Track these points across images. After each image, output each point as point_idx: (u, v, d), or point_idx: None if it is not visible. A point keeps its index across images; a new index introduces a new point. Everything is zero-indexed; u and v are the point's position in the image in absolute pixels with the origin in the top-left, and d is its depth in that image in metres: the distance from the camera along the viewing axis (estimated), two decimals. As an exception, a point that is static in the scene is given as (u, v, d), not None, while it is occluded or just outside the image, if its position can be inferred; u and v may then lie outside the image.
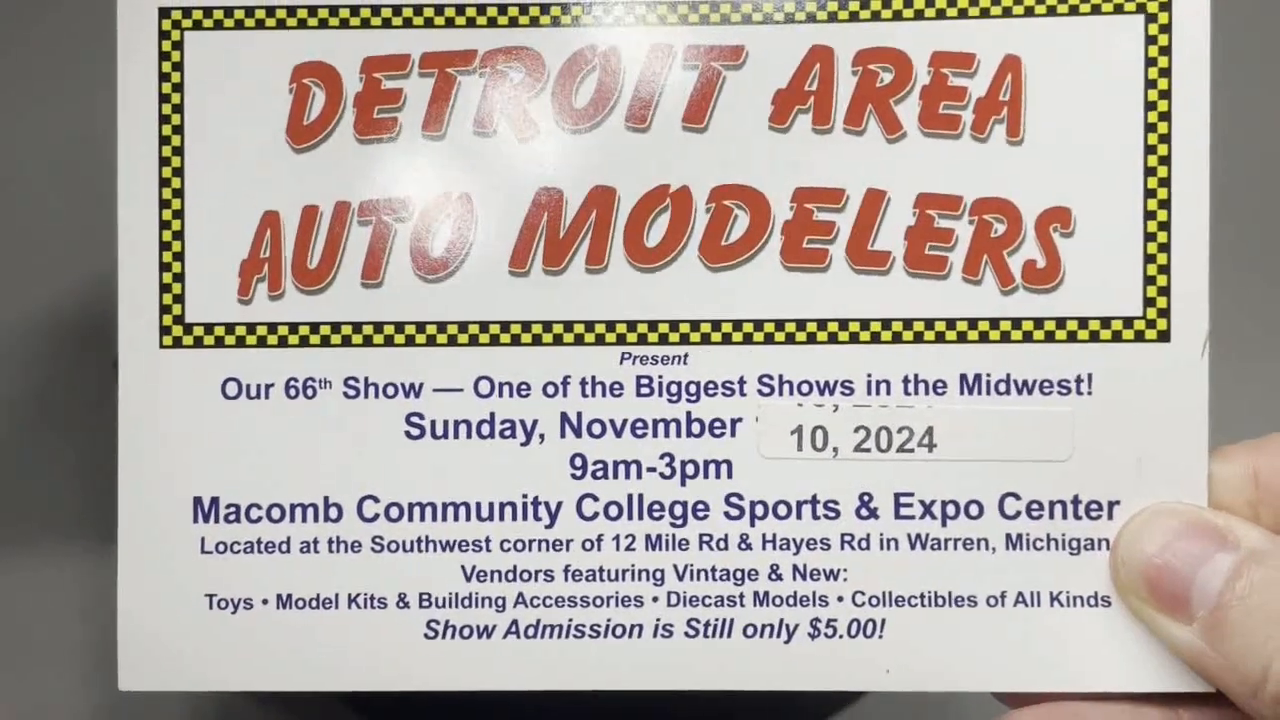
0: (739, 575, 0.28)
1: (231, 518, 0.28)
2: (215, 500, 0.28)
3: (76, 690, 0.42)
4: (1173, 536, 0.27)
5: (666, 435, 0.28)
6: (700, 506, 0.28)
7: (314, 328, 0.28)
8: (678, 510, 0.28)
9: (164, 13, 0.28)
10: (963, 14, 0.28)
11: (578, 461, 0.28)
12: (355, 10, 0.28)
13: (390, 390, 0.28)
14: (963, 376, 0.28)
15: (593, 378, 0.28)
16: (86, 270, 0.41)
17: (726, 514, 0.28)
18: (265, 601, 0.28)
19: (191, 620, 0.28)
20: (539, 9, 0.28)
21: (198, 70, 0.28)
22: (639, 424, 0.28)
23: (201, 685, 0.29)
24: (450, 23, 0.28)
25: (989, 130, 0.28)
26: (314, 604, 0.28)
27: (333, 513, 0.28)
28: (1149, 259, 0.27)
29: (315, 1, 0.28)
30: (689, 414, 0.28)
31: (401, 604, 0.28)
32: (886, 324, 0.28)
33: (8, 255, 0.43)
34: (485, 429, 0.28)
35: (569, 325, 0.28)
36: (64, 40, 0.42)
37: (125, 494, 0.28)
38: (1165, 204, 0.27)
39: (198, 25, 0.28)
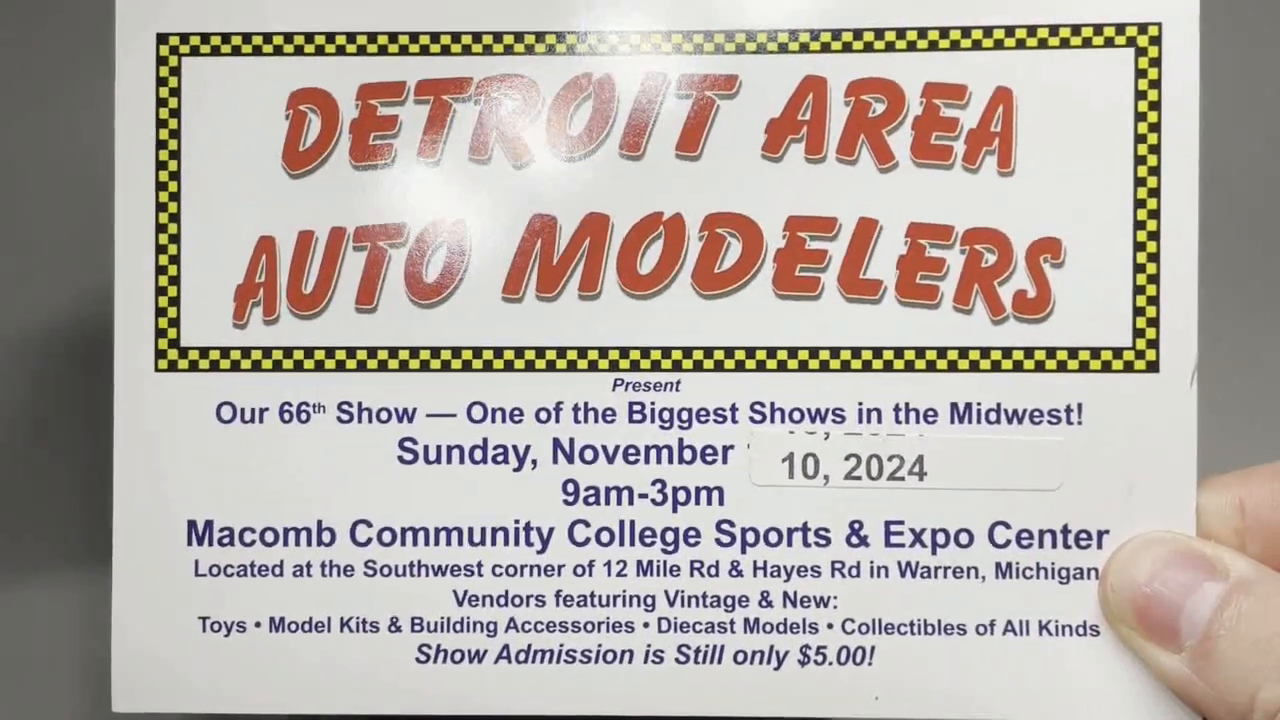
0: (729, 602, 0.28)
1: (225, 540, 0.29)
2: (209, 523, 0.29)
3: (72, 712, 0.42)
4: (1162, 565, 0.27)
5: (658, 461, 0.28)
6: (691, 533, 0.28)
7: (308, 352, 0.28)
8: (669, 536, 0.28)
9: (161, 38, 0.29)
10: (955, 45, 0.28)
11: (570, 487, 0.28)
12: (351, 38, 0.28)
13: (384, 415, 0.28)
14: (953, 405, 0.28)
15: (585, 404, 0.28)
16: (83, 290, 0.41)
17: (718, 540, 0.28)
18: (259, 624, 0.29)
19: (185, 642, 0.29)
20: (534, 37, 0.28)
21: (195, 96, 0.29)
22: (631, 450, 0.28)
23: (195, 707, 0.29)
24: (446, 50, 0.28)
25: (980, 161, 0.28)
26: (307, 627, 0.28)
27: (326, 536, 0.28)
28: (1138, 290, 0.28)
29: (312, 29, 0.28)
30: (681, 440, 0.28)
31: (394, 628, 0.28)
32: (878, 352, 0.28)
33: (4, 275, 0.43)
34: (478, 454, 0.28)
35: (562, 351, 0.28)
36: (61, 64, 0.43)
37: (120, 516, 0.29)
38: (1154, 235, 0.28)
39: (195, 51, 0.28)
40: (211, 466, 0.29)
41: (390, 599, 0.28)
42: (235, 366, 0.28)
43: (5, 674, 0.42)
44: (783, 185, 0.28)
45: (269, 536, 0.29)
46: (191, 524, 0.29)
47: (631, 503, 0.28)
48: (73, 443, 0.43)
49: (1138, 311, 0.28)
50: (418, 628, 0.28)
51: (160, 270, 0.28)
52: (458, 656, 0.28)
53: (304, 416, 0.28)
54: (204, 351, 0.29)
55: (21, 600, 0.43)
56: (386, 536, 0.28)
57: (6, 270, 0.43)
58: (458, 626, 0.28)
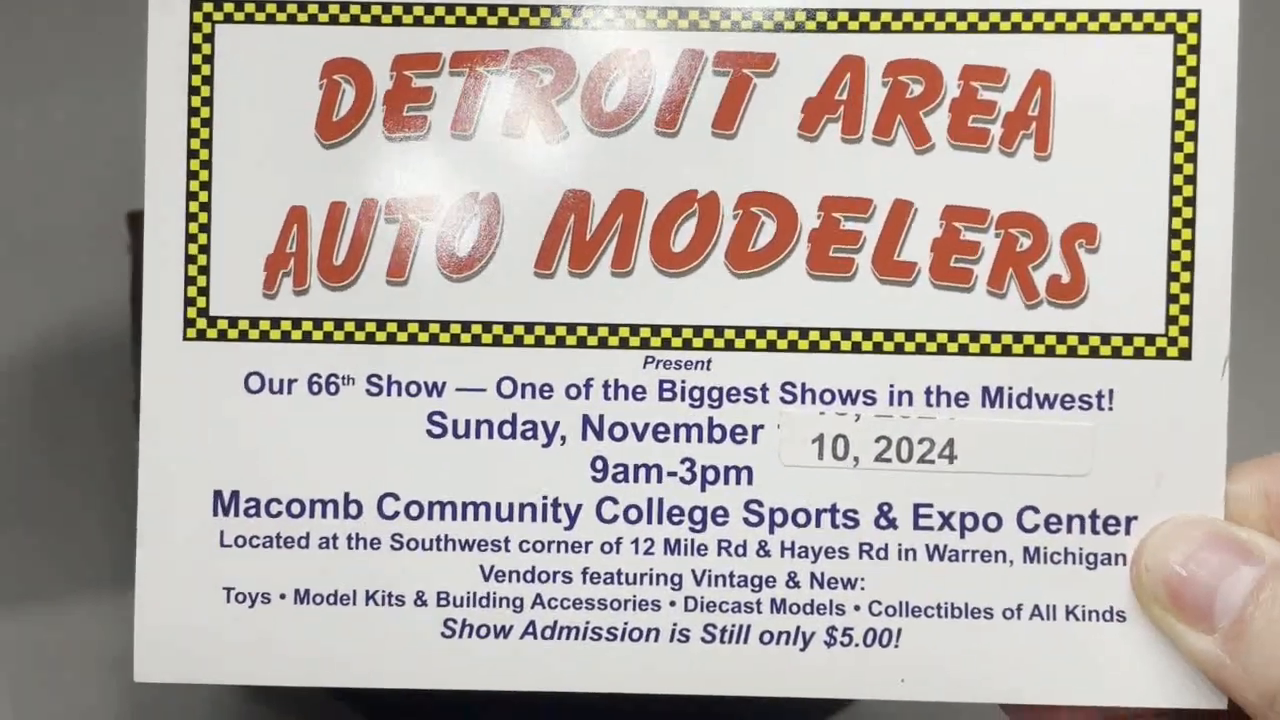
0: (756, 582, 0.28)
1: (251, 511, 0.29)
2: (235, 494, 0.29)
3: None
4: (1197, 547, 0.27)
5: (688, 440, 0.28)
6: (720, 512, 0.28)
7: (338, 324, 0.28)
8: (697, 515, 0.28)
9: (195, 4, 0.28)
10: (994, 28, 0.28)
11: (598, 464, 0.28)
12: (387, 8, 0.28)
13: (413, 389, 0.28)
14: (985, 389, 0.28)
15: (615, 381, 0.28)
16: (114, 260, 0.41)
17: (746, 520, 0.28)
18: (283, 596, 0.29)
19: (209, 613, 0.29)
20: (571, 10, 0.28)
21: (228, 64, 0.28)
22: (661, 428, 0.28)
23: (217, 678, 0.29)
24: (482, 22, 0.28)
25: (1017, 145, 0.28)
26: (332, 600, 0.28)
27: (352, 509, 0.28)
28: (1172, 277, 0.28)
29: None
30: (711, 419, 0.28)
31: (419, 602, 0.28)
32: (910, 335, 0.28)
33: (35, 239, 0.44)
34: (507, 429, 0.28)
35: (593, 328, 0.28)
36: (92, 30, 0.42)
37: (145, 485, 0.29)
38: (1190, 223, 0.28)
39: (229, 18, 0.28)
40: (239, 437, 0.28)
41: (416, 573, 0.28)
42: (265, 337, 0.28)
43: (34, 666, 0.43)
44: (818, 165, 0.28)
45: (295, 508, 0.28)
46: (218, 494, 0.28)
47: (660, 481, 0.28)
48: (98, 436, 0.44)
49: (1171, 299, 0.28)
50: (443, 602, 0.28)
51: (190, 239, 0.28)
52: (483, 631, 0.28)
53: (333, 388, 0.28)
54: (233, 321, 0.28)
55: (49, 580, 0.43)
56: (414, 510, 0.28)
57: (37, 234, 0.43)
58: (484, 602, 0.28)
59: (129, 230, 0.40)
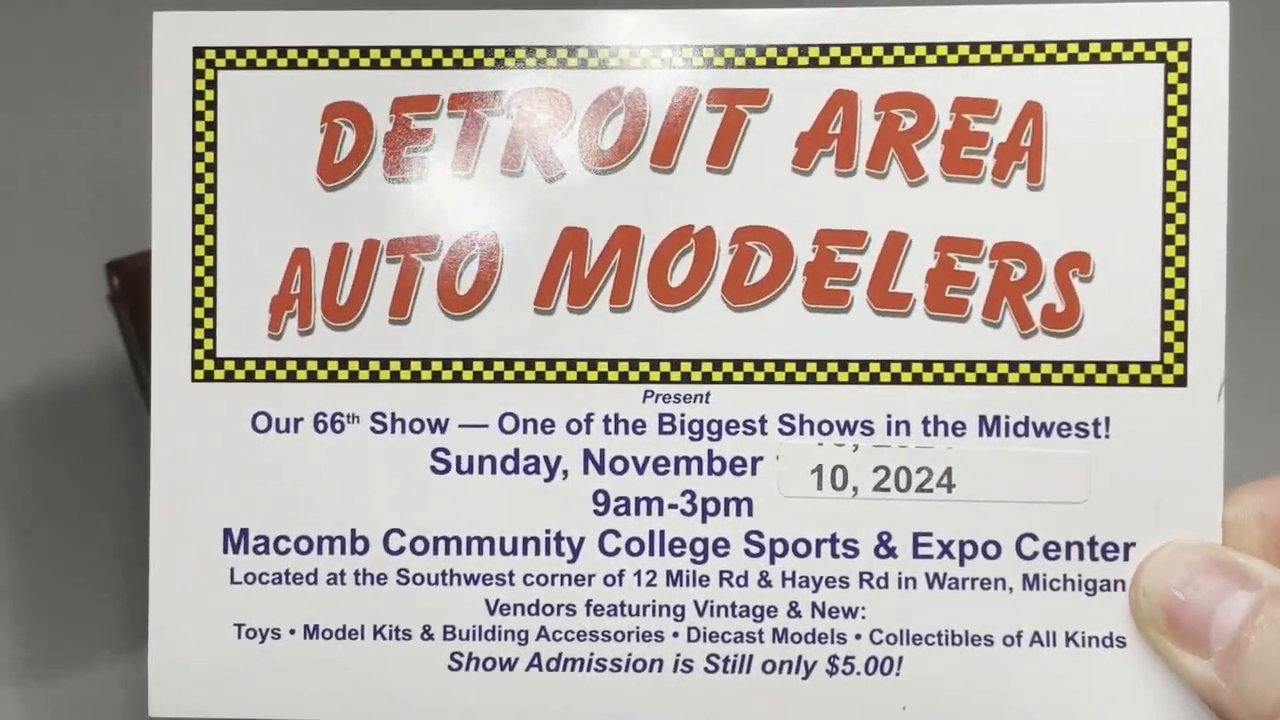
0: (758, 612, 0.29)
1: (260, 548, 0.29)
2: (245, 531, 0.29)
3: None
4: (1195, 572, 0.28)
5: (688, 473, 0.29)
6: (721, 543, 0.29)
7: (343, 363, 0.29)
8: (698, 547, 0.29)
9: (198, 52, 0.29)
10: (985, 60, 0.28)
11: (600, 498, 0.29)
12: (385, 51, 0.29)
13: (417, 425, 0.29)
14: (982, 418, 0.29)
15: (616, 415, 0.29)
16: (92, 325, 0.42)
17: (747, 551, 0.29)
18: (293, 631, 0.29)
19: (221, 649, 0.29)
20: (566, 51, 0.29)
21: (231, 109, 0.29)
22: (661, 461, 0.29)
23: (231, 713, 0.30)
24: (479, 64, 0.29)
25: (1010, 175, 0.28)
26: (340, 634, 0.29)
27: (359, 545, 0.29)
28: (1167, 305, 0.28)
29: (346, 43, 0.29)
30: (710, 452, 0.29)
31: (426, 636, 0.29)
32: (907, 365, 0.29)
33: (41, 282, 0.45)
34: (510, 464, 0.29)
35: (593, 363, 0.29)
36: (99, 78, 0.44)
37: (157, 523, 0.29)
38: (1183, 250, 0.28)
39: (231, 65, 0.29)
40: (247, 475, 0.29)
41: (423, 607, 0.29)
42: (271, 377, 0.29)
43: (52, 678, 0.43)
44: (813, 198, 0.29)
45: (303, 545, 0.29)
46: (227, 532, 0.29)
47: (661, 513, 0.29)
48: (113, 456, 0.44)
49: (1166, 326, 0.28)
50: (450, 636, 0.29)
51: (197, 281, 0.29)
52: (489, 664, 0.29)
53: (338, 426, 0.29)
54: (240, 362, 0.29)
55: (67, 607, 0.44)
56: (419, 545, 0.29)
57: (43, 278, 0.44)
58: (489, 635, 0.29)
59: (108, 280, 0.41)
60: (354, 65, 0.29)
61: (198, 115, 0.29)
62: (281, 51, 0.29)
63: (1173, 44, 0.28)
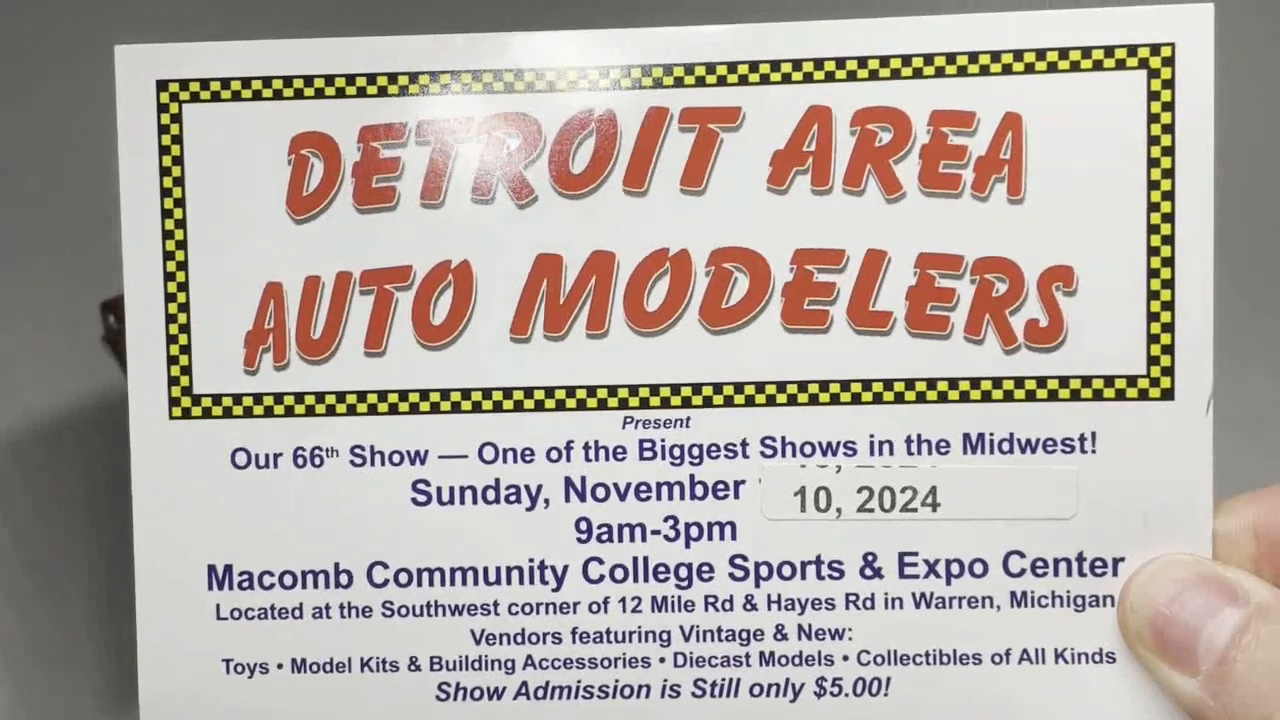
0: (744, 635, 0.29)
1: (245, 584, 0.30)
2: (229, 568, 0.30)
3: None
4: (1183, 588, 0.28)
5: (670, 498, 0.29)
6: (705, 568, 0.29)
7: (319, 397, 0.29)
8: (683, 572, 0.29)
9: (162, 85, 0.29)
10: (962, 72, 0.28)
11: (583, 525, 0.29)
12: (351, 79, 0.29)
13: (396, 458, 0.29)
14: (966, 436, 0.28)
15: (596, 442, 0.29)
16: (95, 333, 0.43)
17: (731, 575, 0.29)
18: (280, 665, 0.30)
19: (210, 685, 0.30)
20: (535, 74, 0.29)
21: (197, 142, 0.29)
22: (643, 487, 0.29)
23: (221, 746, 0.30)
24: (446, 89, 0.29)
25: (990, 189, 0.28)
26: (328, 668, 0.30)
27: (343, 579, 0.29)
28: (1152, 317, 0.28)
29: (311, 71, 0.29)
30: (692, 476, 0.29)
31: (413, 667, 0.29)
32: (889, 384, 0.28)
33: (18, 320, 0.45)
34: (491, 495, 0.29)
35: (571, 390, 0.29)
36: (62, 114, 0.43)
37: (141, 562, 0.30)
38: (1169, 261, 0.28)
39: (195, 97, 0.29)
40: (228, 512, 0.29)
41: (409, 639, 0.29)
42: (248, 413, 0.29)
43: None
44: (789, 218, 0.28)
45: (287, 580, 0.30)
46: (211, 569, 0.30)
47: (645, 539, 0.29)
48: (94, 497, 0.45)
49: (1152, 339, 0.28)
50: (437, 667, 0.29)
51: (170, 319, 0.29)
52: (477, 694, 0.29)
53: (317, 461, 0.29)
54: (217, 398, 0.29)
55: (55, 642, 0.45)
56: (403, 578, 0.29)
57: (21, 316, 0.44)
58: (476, 665, 0.29)
59: (102, 319, 0.41)
60: (319, 94, 0.29)
61: (164, 150, 0.29)
62: (245, 83, 0.29)
63: (1155, 49, 0.28)
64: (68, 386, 0.45)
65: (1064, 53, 0.28)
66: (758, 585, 0.29)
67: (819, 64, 0.28)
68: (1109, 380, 0.28)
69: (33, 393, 0.45)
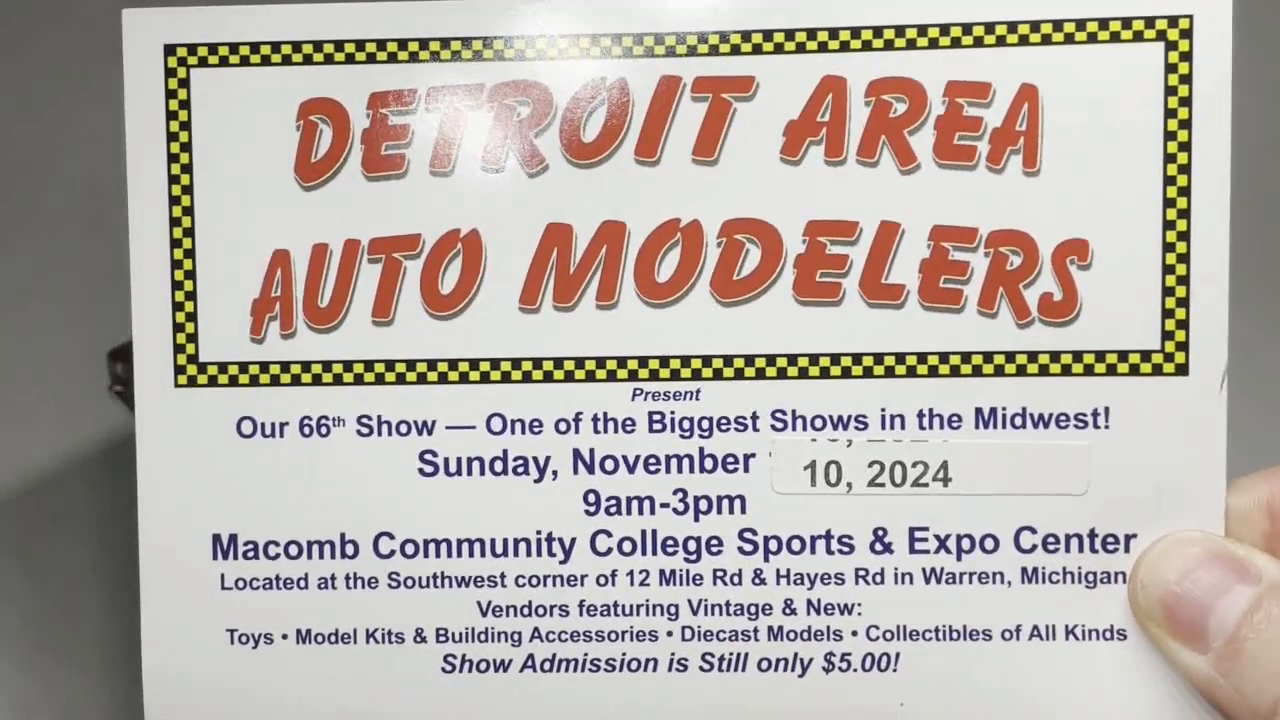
0: (753, 610, 0.29)
1: (250, 554, 0.30)
2: (234, 537, 0.30)
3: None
4: (1194, 565, 0.28)
5: (679, 471, 0.29)
6: (714, 542, 0.29)
7: (326, 366, 0.29)
8: (691, 545, 0.29)
9: (169, 50, 0.29)
10: (978, 42, 0.28)
11: (591, 498, 0.29)
12: (361, 45, 0.29)
13: (403, 428, 0.29)
14: (978, 410, 0.29)
15: (604, 414, 0.29)
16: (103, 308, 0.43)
17: (740, 549, 0.29)
18: (285, 636, 0.30)
19: (214, 654, 0.30)
20: (546, 41, 0.29)
21: (204, 108, 0.29)
22: (652, 460, 0.29)
23: (227, 718, 0.30)
24: (456, 56, 0.29)
25: (1005, 161, 0.28)
26: (333, 639, 0.30)
27: (349, 549, 0.30)
28: (1167, 292, 0.28)
29: (320, 37, 0.29)
30: (702, 449, 0.29)
31: (419, 639, 0.30)
32: (900, 358, 0.29)
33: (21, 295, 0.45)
34: (498, 466, 0.29)
35: (580, 362, 0.29)
36: (69, 80, 0.43)
37: (145, 532, 0.30)
38: (1184, 236, 0.28)
39: (203, 62, 0.29)
40: (234, 481, 0.30)
41: (415, 610, 0.30)
42: (254, 381, 0.29)
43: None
44: (802, 189, 0.28)
45: (293, 550, 0.30)
46: (216, 538, 0.30)
47: (653, 512, 0.29)
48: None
49: (1167, 314, 0.28)
50: (443, 638, 0.30)
51: (176, 286, 0.29)
52: (483, 666, 0.30)
53: (324, 430, 0.29)
54: (223, 367, 0.29)
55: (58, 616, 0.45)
56: (409, 549, 0.29)
57: (23, 290, 0.45)
58: (482, 637, 0.30)
59: (110, 369, 0.42)
60: (329, 60, 0.29)
61: (171, 115, 0.29)
62: (254, 48, 0.29)
63: (1173, 21, 0.28)
64: (73, 435, 0.45)
65: (1081, 24, 0.28)
66: (767, 559, 0.29)
67: (834, 34, 0.28)
68: (1123, 355, 0.28)
69: (37, 442, 0.46)
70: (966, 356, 0.29)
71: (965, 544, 0.29)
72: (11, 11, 0.45)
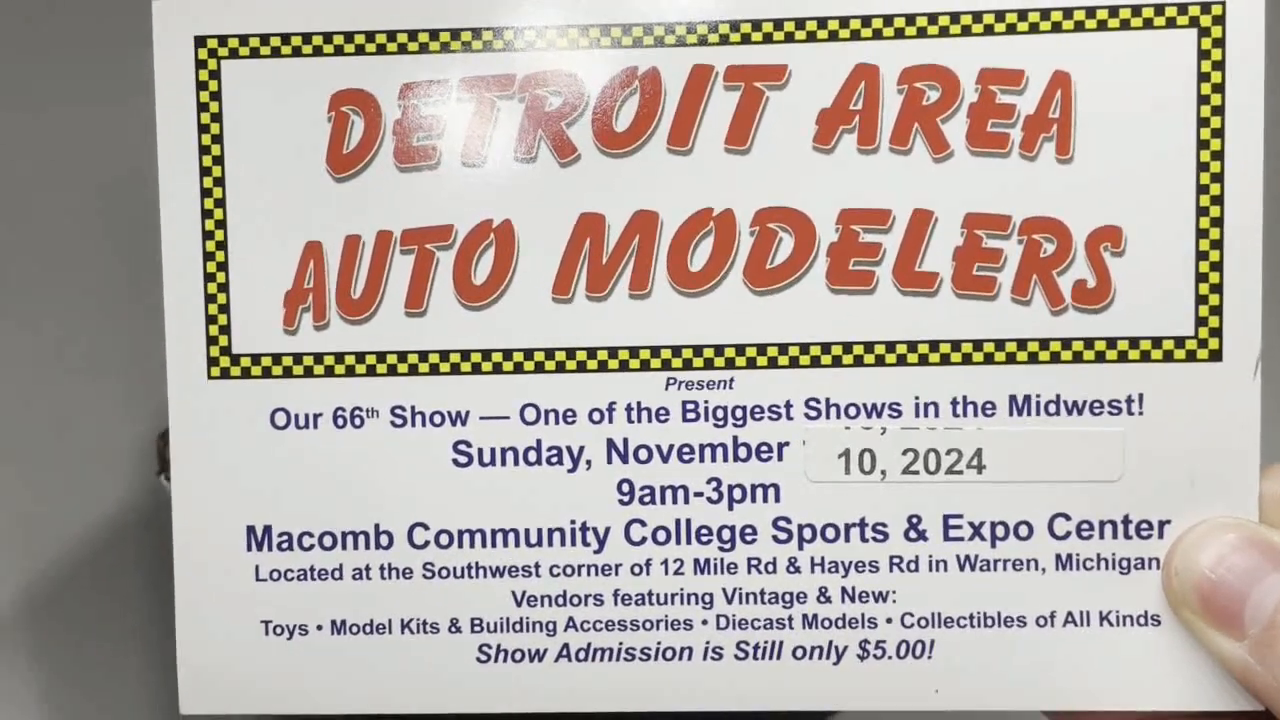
0: (787, 598, 0.30)
1: (284, 545, 0.31)
2: (268, 529, 0.31)
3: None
4: (1229, 550, 0.29)
5: (713, 460, 0.30)
6: (748, 530, 0.30)
7: (360, 357, 0.30)
8: (725, 534, 0.30)
9: (199, 41, 0.30)
10: (1011, 29, 0.29)
11: (625, 487, 0.30)
12: (392, 36, 0.30)
13: (437, 419, 0.30)
14: (1012, 398, 0.29)
15: (638, 403, 0.30)
16: (134, 300, 0.44)
17: (774, 538, 0.30)
18: (320, 627, 0.31)
19: (249, 645, 0.31)
20: (578, 31, 0.29)
21: (236, 100, 0.30)
22: (685, 449, 0.30)
23: (260, 709, 0.31)
24: (488, 47, 0.30)
25: (1038, 148, 0.29)
26: (368, 629, 0.31)
27: (384, 540, 0.30)
28: (1201, 278, 0.29)
29: (351, 27, 0.30)
30: (735, 438, 0.30)
31: (454, 629, 0.30)
32: (934, 345, 0.29)
33: (51, 284, 0.46)
34: (532, 456, 0.30)
35: (613, 351, 0.30)
36: (100, 72, 0.44)
37: (179, 523, 0.31)
38: (1218, 222, 0.29)
39: (234, 54, 0.30)
40: (268, 472, 0.30)
41: (449, 600, 0.30)
42: (288, 373, 0.30)
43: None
44: (835, 177, 0.29)
45: (327, 541, 0.30)
46: (250, 529, 0.31)
47: (687, 501, 0.30)
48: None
49: (1200, 300, 0.29)
50: (478, 628, 0.30)
51: (209, 278, 0.30)
52: (518, 656, 0.30)
53: (358, 421, 0.30)
54: (256, 358, 0.30)
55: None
56: (444, 539, 0.30)
57: (53, 280, 0.45)
58: (517, 626, 0.30)
59: (158, 454, 0.43)
60: (360, 51, 0.30)
61: (202, 107, 0.30)
62: (285, 38, 0.30)
63: (1206, 8, 0.28)
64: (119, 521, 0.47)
65: (1114, 10, 0.29)
66: (801, 547, 0.30)
67: (866, 21, 0.29)
68: (1156, 341, 0.29)
69: (83, 523, 0.47)
70: (1000, 344, 0.29)
71: (999, 531, 0.30)
72: (41, 5, 0.45)
